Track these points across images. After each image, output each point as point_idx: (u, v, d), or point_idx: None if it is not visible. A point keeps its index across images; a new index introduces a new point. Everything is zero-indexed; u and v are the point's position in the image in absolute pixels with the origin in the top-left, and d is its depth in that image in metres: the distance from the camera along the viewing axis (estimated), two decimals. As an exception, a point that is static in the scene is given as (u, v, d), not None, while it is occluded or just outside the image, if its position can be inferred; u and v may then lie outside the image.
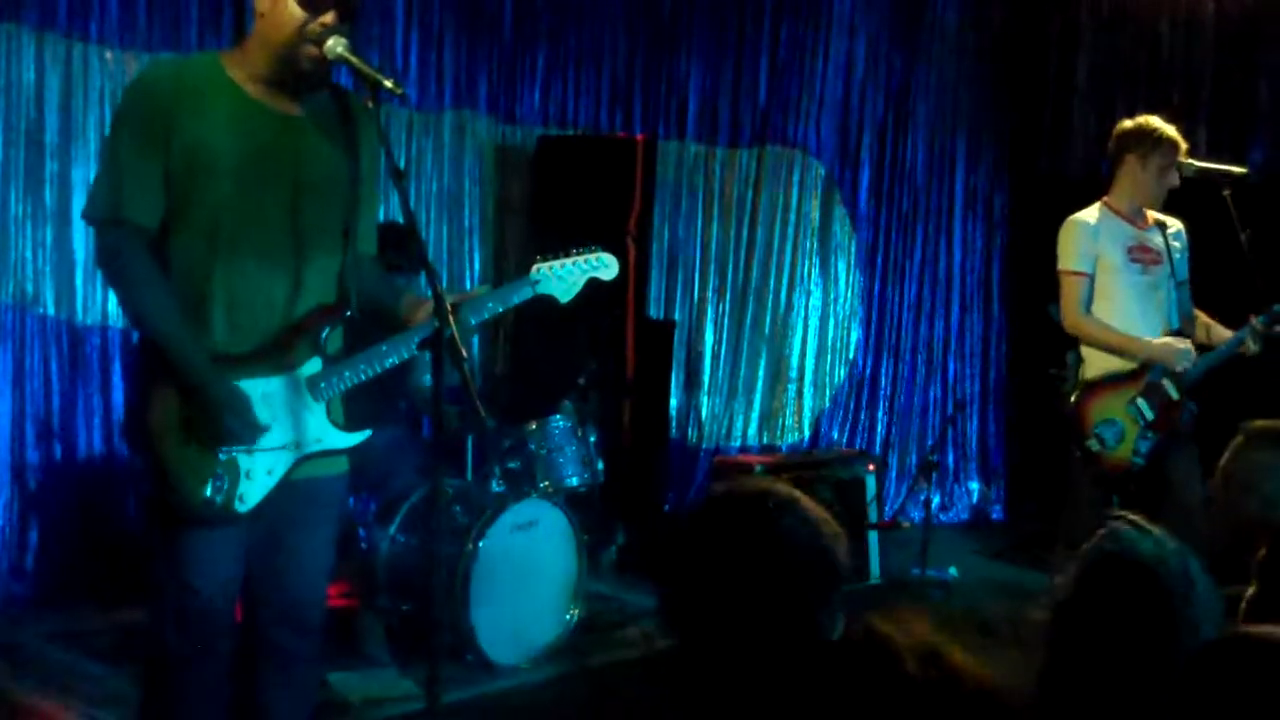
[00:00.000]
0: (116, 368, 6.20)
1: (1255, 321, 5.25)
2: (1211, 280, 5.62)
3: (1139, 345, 5.31)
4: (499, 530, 5.18)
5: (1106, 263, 5.35)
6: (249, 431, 3.20)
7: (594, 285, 3.72)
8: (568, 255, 3.66)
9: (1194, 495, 5.31)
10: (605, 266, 3.72)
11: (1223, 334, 5.42)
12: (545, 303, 3.66)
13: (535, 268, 3.61)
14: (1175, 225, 5.52)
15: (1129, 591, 2.24)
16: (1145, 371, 5.32)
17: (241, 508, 3.22)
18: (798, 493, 2.17)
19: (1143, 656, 2.23)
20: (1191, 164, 5.39)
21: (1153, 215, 5.46)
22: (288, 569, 3.42)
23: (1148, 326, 5.36)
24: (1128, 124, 5.43)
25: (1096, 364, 5.39)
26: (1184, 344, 5.31)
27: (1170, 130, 5.33)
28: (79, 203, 5.97)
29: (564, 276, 3.63)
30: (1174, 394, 5.30)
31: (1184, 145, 5.35)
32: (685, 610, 2.13)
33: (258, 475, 3.23)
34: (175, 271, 3.21)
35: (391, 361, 3.38)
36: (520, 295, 3.59)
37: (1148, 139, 5.34)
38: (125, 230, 3.18)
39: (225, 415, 3.16)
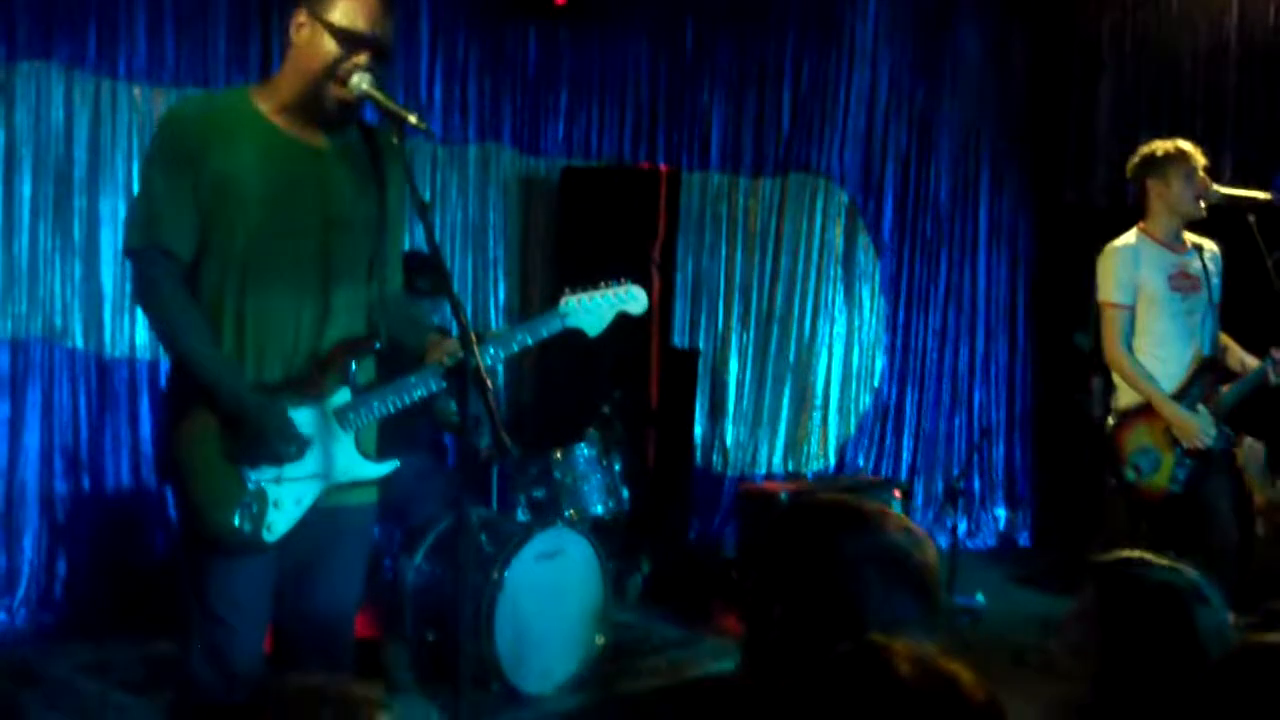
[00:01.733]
0: (145, 400, 6.24)
1: (1277, 354, 5.25)
2: (1238, 305, 5.61)
3: (1168, 407, 5.27)
4: (524, 559, 5.19)
5: (1148, 292, 5.32)
6: (296, 449, 3.24)
7: (620, 315, 3.73)
8: (596, 288, 3.66)
9: (1231, 521, 5.29)
10: (634, 300, 3.73)
11: (1251, 362, 5.40)
12: (572, 334, 3.67)
13: (564, 300, 3.63)
14: (1211, 248, 5.51)
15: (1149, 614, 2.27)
16: (1179, 399, 5.30)
17: (269, 537, 3.24)
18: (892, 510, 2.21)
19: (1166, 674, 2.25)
20: (1217, 191, 5.38)
21: (1190, 239, 5.45)
22: (317, 600, 3.43)
23: (1184, 355, 5.34)
24: (1137, 156, 5.44)
25: (1131, 392, 5.37)
26: (1211, 425, 5.26)
27: (1176, 143, 5.33)
28: (107, 237, 6.06)
29: (592, 310, 3.64)
30: (1200, 444, 5.27)
31: (1197, 153, 5.34)
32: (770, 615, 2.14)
33: (286, 505, 3.25)
34: (204, 302, 3.26)
35: (420, 393, 3.40)
36: (550, 328, 3.60)
37: (1159, 161, 5.34)
38: (161, 260, 3.23)
39: (271, 436, 3.20)
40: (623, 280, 3.72)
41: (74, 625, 5.93)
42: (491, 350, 3.48)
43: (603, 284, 3.68)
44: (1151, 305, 5.34)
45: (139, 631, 5.70)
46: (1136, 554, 2.40)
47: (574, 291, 3.65)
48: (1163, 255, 5.37)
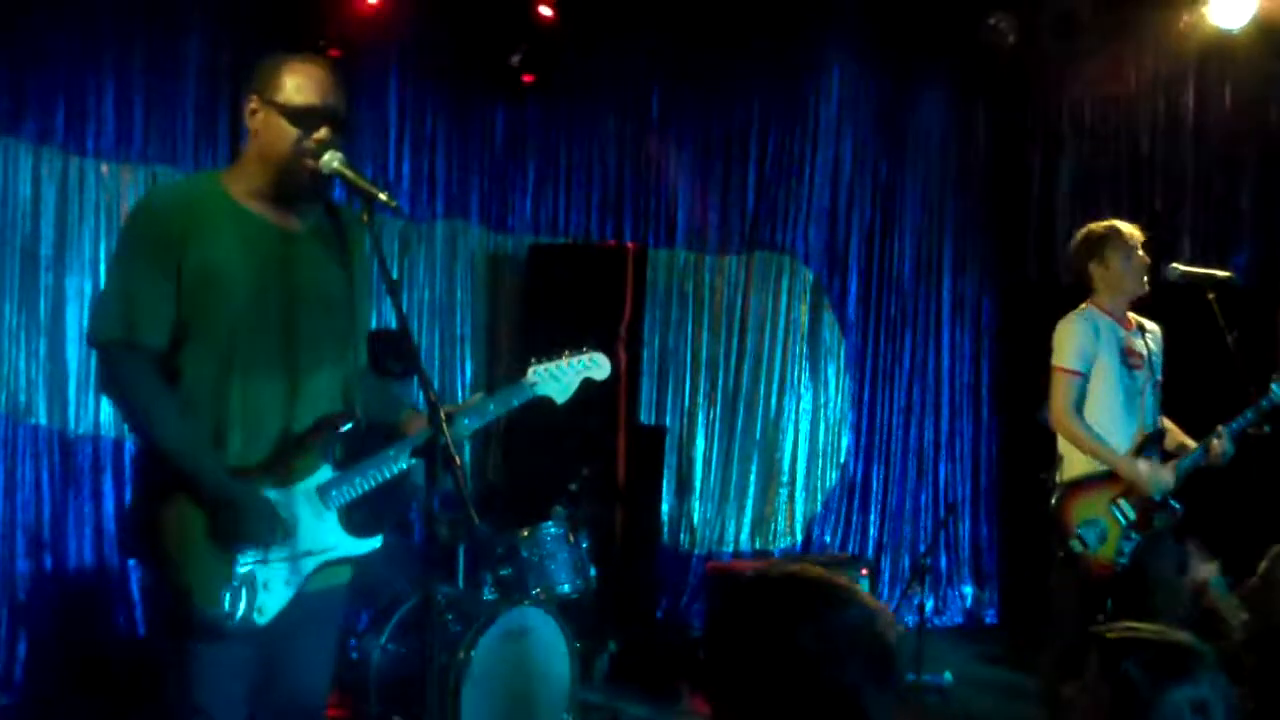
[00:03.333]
0: (108, 478, 6.21)
1: (1222, 430, 5.30)
2: (1199, 381, 5.66)
3: (1123, 463, 5.31)
4: (491, 639, 5.14)
5: (1103, 364, 5.37)
6: (274, 532, 3.21)
7: (586, 391, 3.77)
8: (561, 357, 3.72)
9: (1180, 595, 5.30)
10: (598, 366, 3.80)
11: (1182, 440, 5.46)
12: (540, 406, 3.70)
13: (531, 370, 3.67)
14: (1153, 328, 5.58)
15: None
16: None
17: (261, 620, 3.20)
18: (854, 584, 2.21)
19: None
20: (1177, 268, 5.45)
21: (1134, 318, 5.51)
22: (291, 685, 3.39)
23: (1129, 430, 5.39)
24: (1074, 239, 5.52)
25: (1076, 464, 5.40)
26: (1166, 474, 5.31)
27: (1111, 223, 5.41)
28: (73, 315, 6.04)
29: (559, 377, 3.69)
30: (1155, 495, 5.32)
31: (1134, 231, 5.41)
32: (734, 693, 2.15)
33: (275, 586, 3.22)
34: (187, 388, 3.22)
35: (400, 467, 3.39)
36: (519, 398, 3.64)
37: (1095, 242, 5.42)
38: (136, 353, 3.19)
39: (254, 522, 3.17)
40: (585, 348, 3.78)
41: (34, 707, 5.85)
42: (465, 420, 3.51)
43: (567, 353, 3.75)
44: (1104, 379, 5.39)
45: (101, 713, 5.63)
46: (1132, 624, 2.43)
47: (540, 361, 3.71)
48: (1115, 330, 5.43)
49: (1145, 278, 5.42)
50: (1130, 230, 5.40)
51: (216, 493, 3.16)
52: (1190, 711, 2.29)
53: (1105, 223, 5.43)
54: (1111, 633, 2.43)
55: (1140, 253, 5.41)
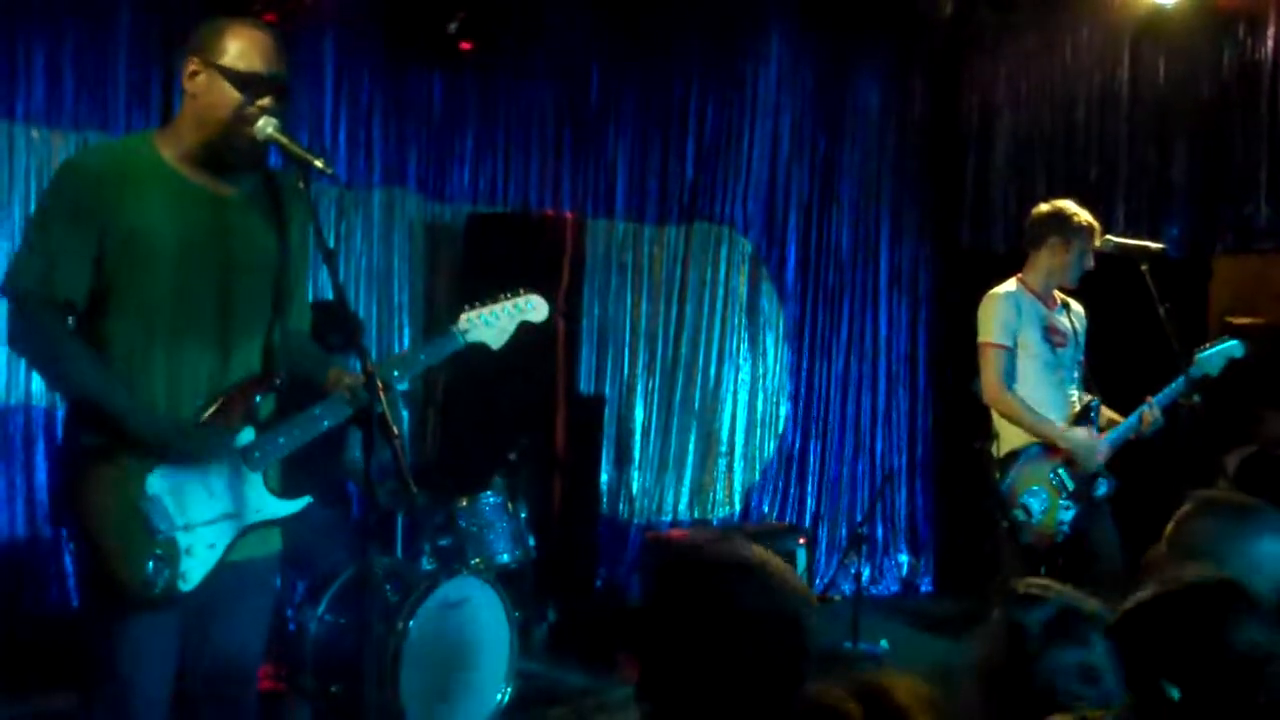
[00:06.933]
0: (40, 448, 6.12)
1: (1152, 401, 5.39)
2: (1131, 353, 5.72)
3: (1057, 434, 5.38)
4: (430, 609, 5.13)
5: (1026, 341, 5.44)
6: (217, 448, 3.21)
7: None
8: (495, 301, 3.68)
9: (1118, 563, 5.38)
10: (534, 308, 3.76)
11: (1112, 416, 5.54)
12: (479, 366, 3.65)
13: (463, 317, 3.63)
14: (1077, 306, 5.66)
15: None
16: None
17: (185, 586, 3.17)
18: (769, 557, 2.20)
19: None
20: (1110, 240, 5.51)
21: (1059, 296, 5.58)
22: (220, 655, 3.37)
23: (1056, 406, 5.46)
24: (1045, 208, 5.55)
25: (1013, 438, 5.46)
26: (1099, 444, 5.38)
27: (1088, 215, 5.47)
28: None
29: (492, 323, 3.65)
30: (1089, 466, 5.39)
31: (1099, 227, 5.49)
32: (655, 677, 2.16)
33: (199, 551, 3.19)
34: (113, 353, 3.19)
35: (327, 424, 3.35)
36: (451, 346, 3.60)
37: (1069, 224, 5.46)
38: (54, 308, 3.15)
39: (183, 444, 3.16)
40: (521, 290, 3.73)
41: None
42: (396, 373, 3.48)
43: (501, 296, 3.69)
44: (1026, 355, 5.46)
45: (34, 685, 5.56)
46: (1048, 584, 2.46)
47: (472, 308, 3.66)
48: (1037, 307, 5.50)
49: (1079, 278, 5.51)
50: (1099, 235, 5.47)
51: (143, 429, 3.13)
52: (1077, 675, 2.30)
53: (1086, 215, 5.48)
54: (1021, 586, 2.46)
55: (1091, 256, 5.48)
